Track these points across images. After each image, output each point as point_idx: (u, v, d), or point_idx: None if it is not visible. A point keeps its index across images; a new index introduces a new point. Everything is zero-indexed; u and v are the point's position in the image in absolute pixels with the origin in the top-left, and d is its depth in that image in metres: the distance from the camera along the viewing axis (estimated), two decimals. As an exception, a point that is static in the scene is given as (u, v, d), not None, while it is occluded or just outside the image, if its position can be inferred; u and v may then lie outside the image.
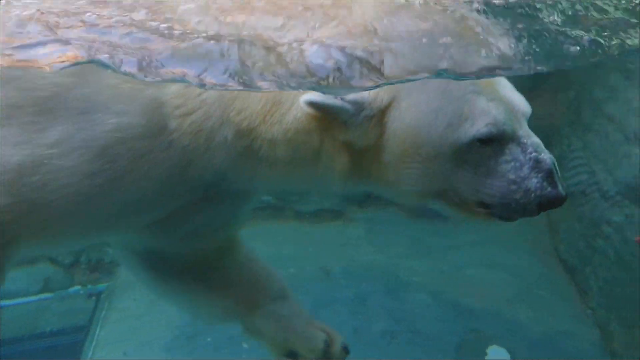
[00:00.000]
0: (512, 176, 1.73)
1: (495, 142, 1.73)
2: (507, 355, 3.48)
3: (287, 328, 2.35)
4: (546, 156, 1.75)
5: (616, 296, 3.58)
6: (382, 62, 1.26)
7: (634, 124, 3.54)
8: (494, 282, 3.91)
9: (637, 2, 1.53)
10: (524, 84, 1.92)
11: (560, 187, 1.73)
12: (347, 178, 1.84)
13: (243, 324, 2.46)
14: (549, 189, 1.72)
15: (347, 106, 1.69)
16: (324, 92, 1.62)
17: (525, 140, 1.75)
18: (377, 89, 1.67)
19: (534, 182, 1.72)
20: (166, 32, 1.26)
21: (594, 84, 4.02)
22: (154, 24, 1.27)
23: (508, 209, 1.77)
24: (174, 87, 1.74)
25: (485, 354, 3.51)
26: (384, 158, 1.77)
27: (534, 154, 1.74)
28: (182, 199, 1.90)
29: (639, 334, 3.25)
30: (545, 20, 1.44)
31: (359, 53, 1.26)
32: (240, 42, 1.24)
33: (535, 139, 1.78)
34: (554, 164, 1.75)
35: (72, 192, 1.67)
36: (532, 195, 1.73)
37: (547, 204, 1.74)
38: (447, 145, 1.71)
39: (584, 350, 3.52)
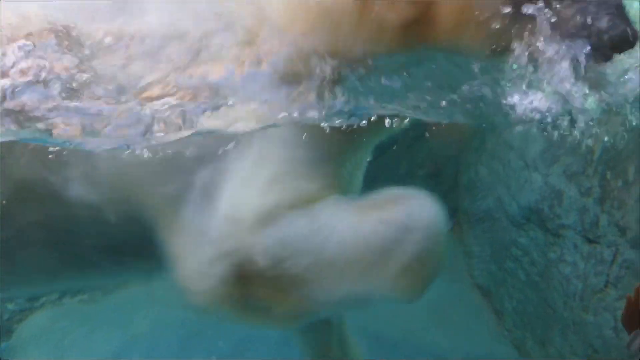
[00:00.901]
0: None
1: None
2: (429, 384, 3.51)
3: None
4: None
5: (529, 315, 3.71)
6: None
7: (533, 151, 3.76)
8: (413, 311, 3.95)
9: None
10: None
11: (631, 24, 1.58)
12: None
13: None
14: (621, 25, 1.58)
15: None
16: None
17: None
18: None
19: (605, 18, 1.59)
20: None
21: (495, 112, 4.24)
22: None
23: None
24: None
25: (409, 384, 3.51)
26: None
27: None
28: None
29: (552, 350, 3.37)
30: None
31: None
32: None
33: None
34: None
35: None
36: (604, 33, 1.59)
37: (619, 41, 1.59)
38: None
39: (503, 371, 3.61)
